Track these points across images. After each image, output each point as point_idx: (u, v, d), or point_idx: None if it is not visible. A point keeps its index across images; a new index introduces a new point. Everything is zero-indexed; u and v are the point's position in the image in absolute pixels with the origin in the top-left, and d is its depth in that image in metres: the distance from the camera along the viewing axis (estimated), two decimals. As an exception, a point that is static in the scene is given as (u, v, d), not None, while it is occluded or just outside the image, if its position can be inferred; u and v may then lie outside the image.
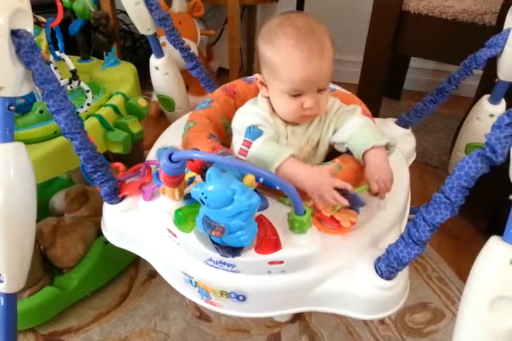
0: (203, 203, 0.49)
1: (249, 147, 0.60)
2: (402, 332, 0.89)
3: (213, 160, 0.51)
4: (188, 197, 0.59)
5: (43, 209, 0.95)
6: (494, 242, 0.48)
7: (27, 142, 0.64)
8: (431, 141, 1.45)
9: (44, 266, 0.89)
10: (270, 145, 0.64)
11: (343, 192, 0.59)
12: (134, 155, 0.96)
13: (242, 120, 0.70)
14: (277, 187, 0.54)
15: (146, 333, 0.89)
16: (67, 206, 0.96)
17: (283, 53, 0.64)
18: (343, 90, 0.84)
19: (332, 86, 0.83)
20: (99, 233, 0.95)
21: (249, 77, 0.86)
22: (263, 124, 0.67)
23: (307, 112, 0.67)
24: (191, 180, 0.60)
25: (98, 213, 0.94)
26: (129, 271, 1.01)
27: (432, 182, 1.27)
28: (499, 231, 0.49)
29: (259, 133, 0.60)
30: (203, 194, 0.48)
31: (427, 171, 1.33)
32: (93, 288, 0.94)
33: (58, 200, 0.98)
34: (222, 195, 0.47)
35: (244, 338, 0.88)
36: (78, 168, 0.81)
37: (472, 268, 0.50)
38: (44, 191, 1.03)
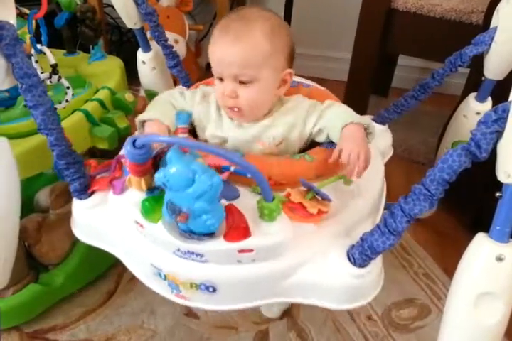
0: (166, 187, 0.48)
1: (186, 133, 0.61)
2: (389, 327, 0.90)
3: (176, 143, 0.50)
4: (152, 189, 0.57)
5: (28, 205, 0.93)
6: (480, 239, 0.49)
7: (11, 137, 0.63)
8: (417, 138, 1.46)
9: (29, 263, 0.87)
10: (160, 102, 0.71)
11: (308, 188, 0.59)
12: (121, 150, 0.95)
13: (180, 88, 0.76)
14: (248, 175, 0.53)
15: (133, 330, 0.88)
16: (53, 202, 0.94)
17: (212, 34, 0.66)
18: (318, 86, 0.83)
19: (306, 82, 0.82)
20: (85, 230, 0.94)
21: None
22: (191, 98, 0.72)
23: (226, 101, 0.66)
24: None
25: (84, 209, 0.93)
26: (115, 268, 1.00)
27: (418, 180, 1.27)
28: (484, 227, 0.50)
29: (188, 116, 0.63)
30: (165, 177, 0.48)
31: (413, 168, 1.34)
32: (79, 285, 0.93)
33: (43, 196, 0.97)
34: (183, 176, 0.46)
35: (232, 335, 0.88)
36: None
37: (458, 265, 0.51)
38: (29, 187, 1.00)
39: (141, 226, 0.57)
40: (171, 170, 0.47)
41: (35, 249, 0.87)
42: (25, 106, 0.77)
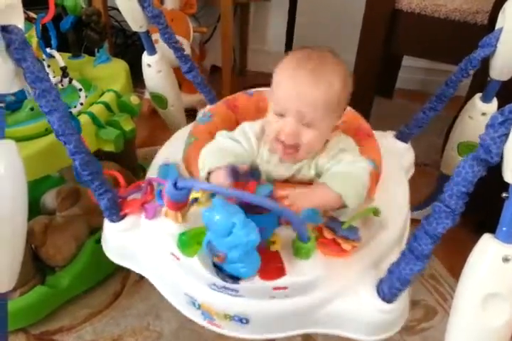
0: (207, 227, 0.50)
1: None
2: (395, 329, 0.90)
3: (217, 192, 0.51)
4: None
5: (34, 208, 0.94)
6: (486, 240, 0.49)
7: (17, 140, 0.63)
8: (421, 139, 1.45)
9: (35, 265, 0.88)
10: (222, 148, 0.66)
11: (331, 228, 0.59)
12: (126, 153, 0.95)
13: (221, 134, 0.70)
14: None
15: (139, 332, 0.88)
16: (59, 204, 0.95)
17: (282, 68, 0.64)
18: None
19: None
20: (91, 232, 0.95)
21: (250, 91, 0.85)
22: (238, 141, 0.68)
23: (282, 137, 0.63)
24: (194, 200, 0.60)
25: (90, 212, 0.94)
26: (121, 270, 1.00)
27: (420, 181, 1.27)
28: (489, 228, 0.49)
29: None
30: (207, 219, 0.49)
31: (417, 170, 1.33)
32: (85, 287, 0.94)
33: (50, 199, 0.97)
34: (222, 226, 0.48)
35: (238, 338, 0.87)
36: (70, 166, 0.80)
37: (465, 266, 0.50)
38: (35, 189, 1.01)
39: (178, 258, 0.58)
40: (212, 217, 0.48)
41: (42, 251, 0.88)
42: (32, 109, 0.78)
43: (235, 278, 0.52)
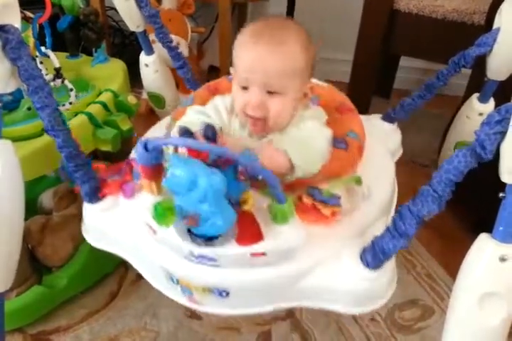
0: (172, 192, 0.48)
1: None
2: (392, 328, 0.90)
3: (188, 145, 0.49)
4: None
5: (31, 208, 0.94)
6: (483, 239, 0.49)
7: (14, 139, 0.63)
8: (420, 139, 1.46)
9: (32, 265, 0.88)
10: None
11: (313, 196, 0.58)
12: (124, 153, 0.95)
13: (192, 108, 0.69)
14: (259, 178, 0.52)
15: (136, 332, 0.88)
16: (56, 204, 0.95)
17: (241, 40, 0.63)
18: (320, 83, 0.80)
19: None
20: (89, 231, 0.95)
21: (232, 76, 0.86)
22: (209, 115, 0.67)
23: (249, 110, 0.62)
24: None
25: (87, 211, 0.94)
26: (118, 270, 1.00)
27: (420, 182, 1.27)
28: (486, 228, 0.50)
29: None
30: (167, 182, 0.47)
31: (417, 170, 1.34)
32: (82, 287, 0.93)
33: (47, 199, 0.97)
34: (185, 179, 0.46)
35: (235, 336, 0.88)
36: (67, 166, 0.80)
37: (462, 265, 0.51)
38: (32, 189, 1.01)
39: (153, 230, 0.57)
40: (173, 174, 0.46)
41: (39, 250, 0.88)
42: (29, 108, 0.78)
43: (210, 240, 0.51)
